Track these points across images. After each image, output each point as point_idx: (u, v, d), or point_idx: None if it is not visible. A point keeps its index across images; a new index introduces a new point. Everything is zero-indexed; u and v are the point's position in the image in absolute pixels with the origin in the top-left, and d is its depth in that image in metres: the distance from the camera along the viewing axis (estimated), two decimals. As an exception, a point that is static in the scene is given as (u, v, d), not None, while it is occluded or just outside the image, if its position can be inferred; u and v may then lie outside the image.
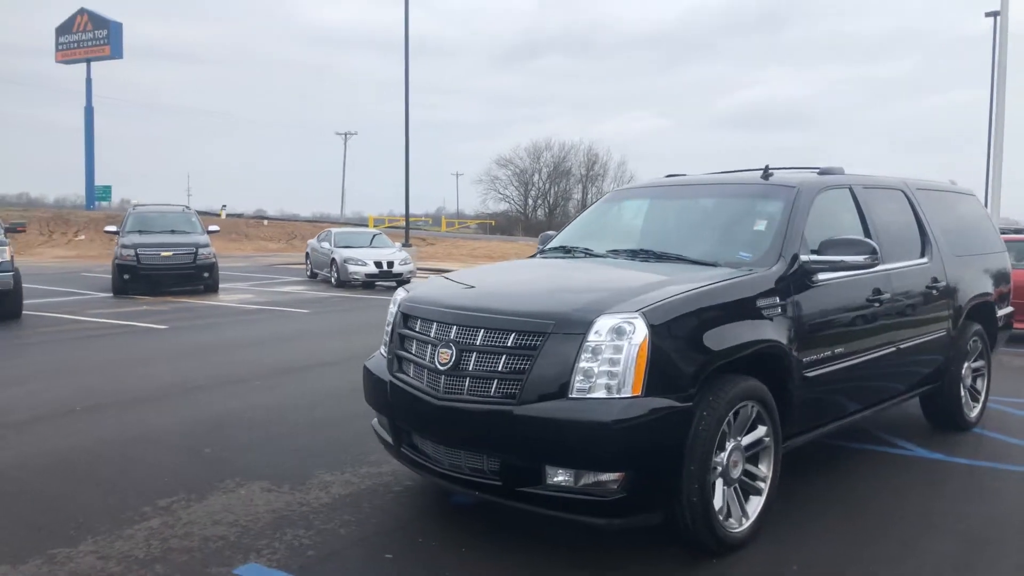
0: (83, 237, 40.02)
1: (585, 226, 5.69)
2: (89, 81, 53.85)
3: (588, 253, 5.06)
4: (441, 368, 3.81)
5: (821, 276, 4.48)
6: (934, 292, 5.60)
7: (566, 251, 5.26)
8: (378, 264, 19.49)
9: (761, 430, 3.99)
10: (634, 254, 4.84)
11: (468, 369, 3.74)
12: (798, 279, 4.34)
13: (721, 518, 3.71)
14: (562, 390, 3.48)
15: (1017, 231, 15.81)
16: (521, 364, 3.59)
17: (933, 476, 5.05)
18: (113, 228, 17.94)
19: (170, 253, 16.60)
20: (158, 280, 16.59)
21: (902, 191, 5.75)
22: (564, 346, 3.53)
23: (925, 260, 5.63)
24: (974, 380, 6.36)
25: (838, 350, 4.55)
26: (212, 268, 17.02)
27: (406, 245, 25.33)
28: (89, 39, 52.19)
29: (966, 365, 6.14)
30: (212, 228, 18.49)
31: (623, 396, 3.42)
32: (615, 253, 4.91)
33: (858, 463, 5.30)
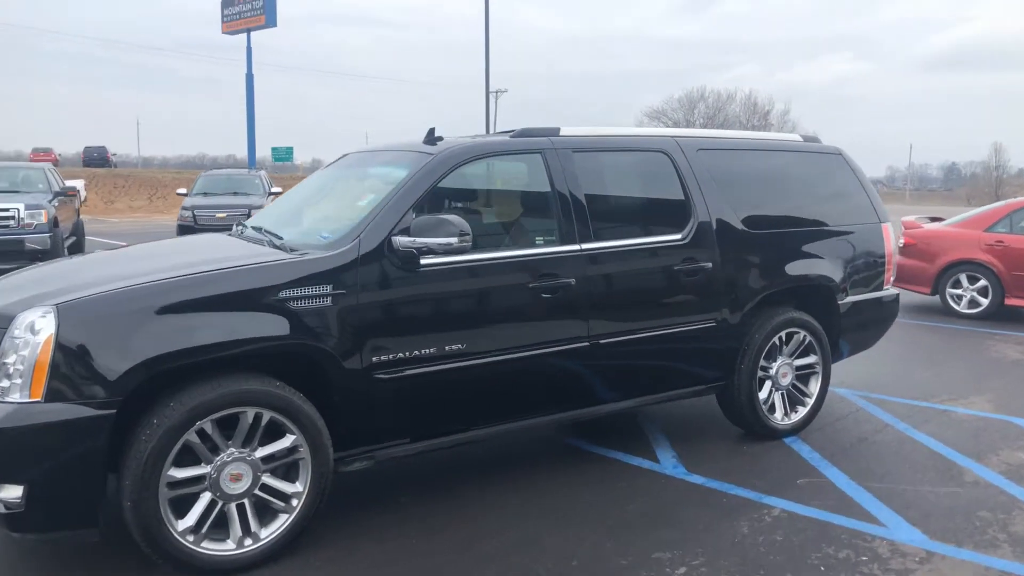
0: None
1: (289, 195, 5.21)
2: (249, 49, 57.34)
3: (252, 228, 4.62)
4: None
5: (427, 261, 3.81)
6: (690, 275, 4.64)
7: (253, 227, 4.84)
8: None
9: (287, 440, 3.49)
10: (257, 231, 4.38)
11: None
12: (382, 264, 3.71)
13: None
14: None
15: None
16: None
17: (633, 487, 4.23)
18: (183, 191, 19.14)
19: (224, 214, 17.47)
20: None
21: (664, 152, 4.77)
22: None
23: (677, 238, 4.66)
24: (797, 380, 5.26)
25: (453, 347, 3.87)
26: None
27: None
28: (248, 9, 55.33)
29: (776, 363, 5.08)
30: (275, 190, 19.28)
31: (12, 400, 3.09)
32: (257, 229, 4.46)
33: (570, 471, 4.56)
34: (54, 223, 14.24)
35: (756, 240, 4.97)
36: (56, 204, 14.86)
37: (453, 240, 3.70)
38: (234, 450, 3.41)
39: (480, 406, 4.12)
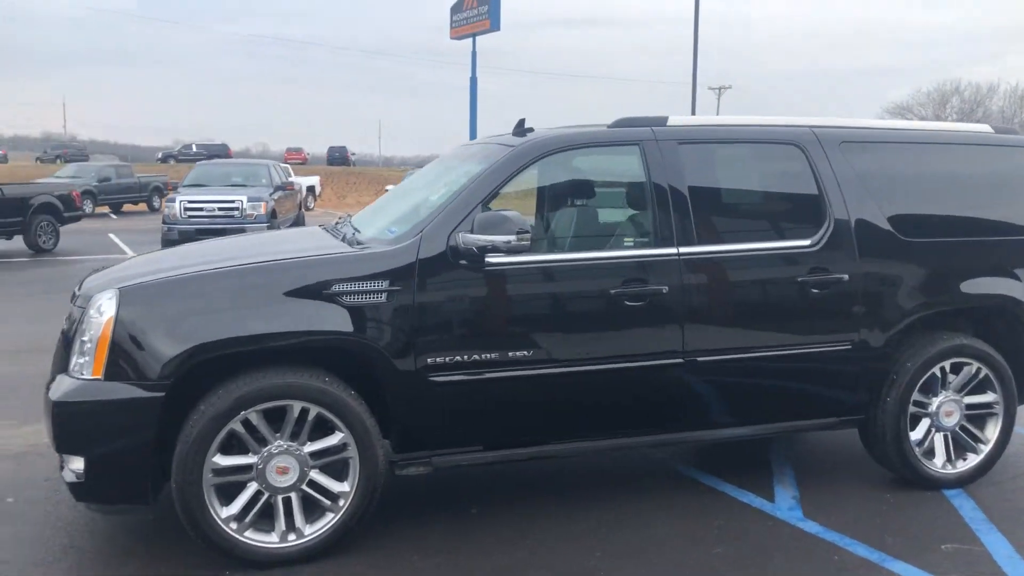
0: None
1: (398, 189, 5.14)
2: (474, 53, 59.75)
3: (349, 222, 4.62)
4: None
5: (495, 260, 3.56)
6: (819, 287, 3.98)
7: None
8: None
9: (336, 438, 3.41)
10: (348, 225, 4.34)
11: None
12: (443, 262, 3.52)
13: None
14: (65, 367, 3.42)
15: None
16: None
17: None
18: (390, 186, 20.22)
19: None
20: None
21: (796, 145, 4.12)
22: (77, 323, 3.46)
23: (805, 244, 4.01)
24: (968, 421, 4.36)
25: (518, 353, 3.58)
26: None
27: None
28: (474, 15, 57.78)
29: (938, 398, 4.24)
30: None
31: (83, 377, 3.26)
32: (349, 223, 4.44)
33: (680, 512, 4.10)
34: (272, 214, 15.61)
35: (912, 249, 4.17)
36: (276, 197, 16.28)
37: (511, 238, 3.41)
38: (282, 443, 3.38)
39: (552, 420, 3.79)
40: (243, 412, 3.28)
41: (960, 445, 4.38)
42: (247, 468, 3.36)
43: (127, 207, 28.84)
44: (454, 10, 56.78)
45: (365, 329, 3.41)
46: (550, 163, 3.93)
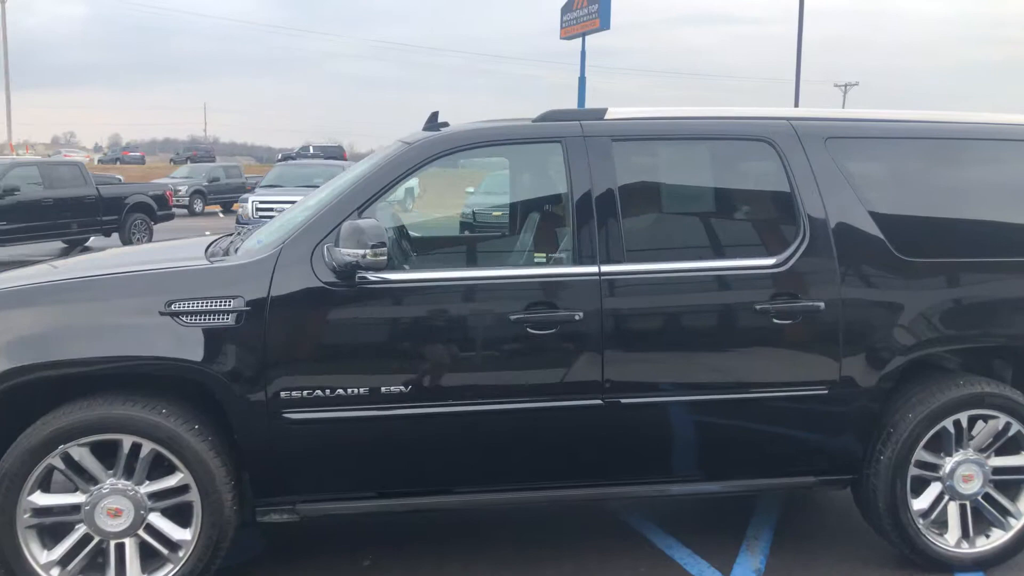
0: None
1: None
2: (583, 53, 59.19)
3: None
4: None
5: (371, 277, 3.03)
6: (784, 317, 3.21)
7: None
8: None
9: (175, 479, 2.98)
10: (239, 237, 3.89)
11: None
12: (305, 278, 3.01)
13: None
14: None
15: None
16: None
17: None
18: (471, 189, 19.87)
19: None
20: None
21: (767, 141, 3.35)
22: None
23: (767, 263, 3.24)
24: (994, 488, 3.45)
25: (392, 388, 3.03)
26: None
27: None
28: (584, 14, 57.34)
29: (953, 458, 3.37)
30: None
31: None
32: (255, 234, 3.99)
33: None
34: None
35: (914, 271, 3.32)
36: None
37: (363, 252, 2.87)
38: (115, 481, 2.97)
39: (445, 467, 3.20)
40: (62, 446, 2.89)
41: (982, 518, 3.47)
42: (74, 508, 2.97)
43: (236, 206, 30.05)
44: (564, 10, 56.38)
45: (206, 355, 2.95)
46: (452, 164, 3.35)
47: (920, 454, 3.37)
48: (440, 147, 3.22)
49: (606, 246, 3.16)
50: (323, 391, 3.01)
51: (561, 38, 62.29)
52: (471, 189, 20.11)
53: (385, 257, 2.89)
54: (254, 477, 3.10)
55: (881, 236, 3.31)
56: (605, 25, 57.68)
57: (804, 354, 3.27)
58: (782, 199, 3.34)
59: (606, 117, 3.38)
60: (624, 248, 3.17)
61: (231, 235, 4.11)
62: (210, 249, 3.38)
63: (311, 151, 60.31)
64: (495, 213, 17.11)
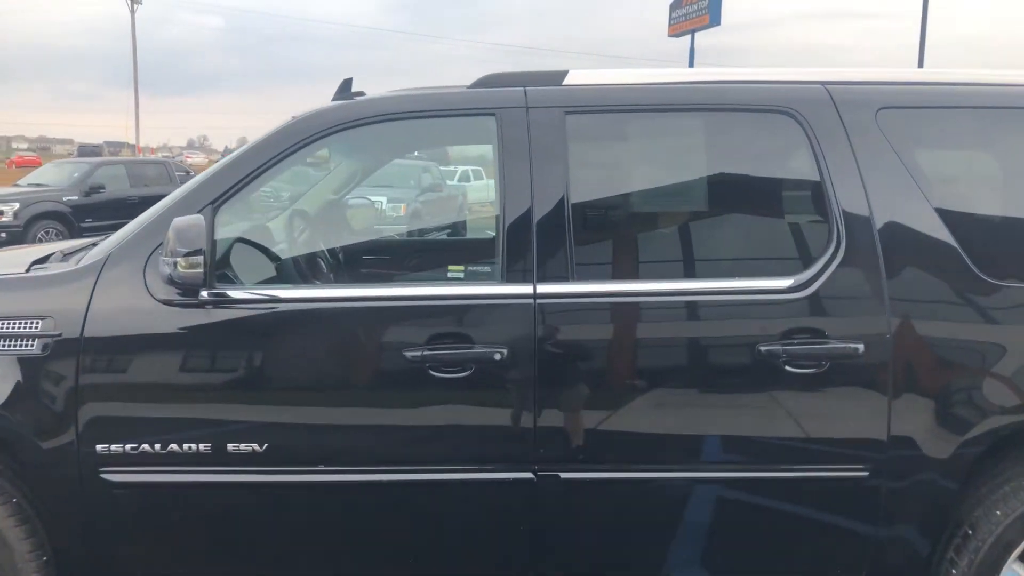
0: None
1: None
2: (692, 51, 57.74)
3: None
4: None
5: (244, 292, 2.28)
6: (803, 363, 2.22)
7: None
8: None
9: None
10: None
11: None
12: (136, 295, 2.27)
13: None
14: None
15: None
16: None
17: None
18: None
19: None
20: None
21: (791, 114, 2.36)
22: None
23: (782, 286, 2.25)
24: None
25: (245, 446, 2.24)
26: None
27: None
28: (694, 11, 55.62)
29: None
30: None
31: None
32: None
33: None
34: (415, 216, 15.12)
35: (1006, 298, 2.26)
36: (422, 200, 15.74)
37: (175, 262, 2.10)
38: None
39: (310, 558, 2.38)
40: None
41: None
42: None
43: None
44: (673, 7, 54.87)
45: (1, 395, 2.25)
46: (346, 144, 2.53)
47: (1015, 569, 2.30)
48: (337, 119, 2.39)
49: (547, 258, 2.26)
50: (152, 446, 2.25)
51: (669, 36, 60.63)
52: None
53: (201, 269, 2.11)
54: (63, 554, 2.37)
55: (955, 246, 2.26)
56: (715, 21, 55.75)
57: (835, 418, 2.26)
58: (806, 194, 2.35)
59: (565, 82, 2.48)
60: (572, 261, 2.27)
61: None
62: (53, 256, 2.69)
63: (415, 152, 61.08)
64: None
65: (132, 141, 49.14)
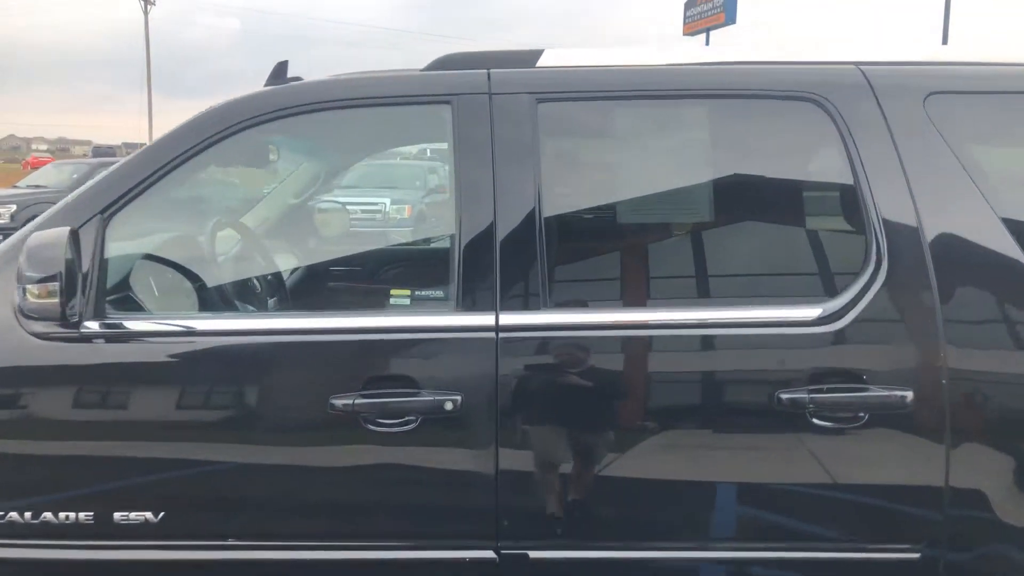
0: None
1: None
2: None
3: None
4: None
5: (142, 325, 1.86)
6: (829, 417, 1.75)
7: None
8: None
9: None
10: None
11: None
12: (14, 317, 1.85)
13: None
14: None
15: None
16: None
17: None
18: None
19: None
20: None
21: (817, 101, 1.89)
22: None
23: (807, 317, 1.78)
24: None
25: (135, 515, 1.81)
26: None
27: None
28: (708, 9, 55.15)
29: None
30: None
31: None
32: None
33: None
34: (420, 218, 14.71)
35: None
36: (427, 201, 15.32)
37: (26, 289, 1.68)
38: None
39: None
40: None
41: None
42: None
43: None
44: (687, 6, 54.32)
45: None
46: (285, 141, 2.09)
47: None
48: (237, 113, 1.94)
49: (513, 281, 1.81)
50: (21, 515, 1.82)
51: (684, 35, 60.25)
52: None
53: (57, 299, 1.67)
54: None
55: (1029, 265, 1.79)
56: (731, 19, 55.22)
57: (874, 483, 1.80)
58: (837, 200, 1.88)
59: (538, 64, 2.02)
60: (545, 285, 1.81)
61: None
62: None
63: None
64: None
65: (147, 142, 49.16)
